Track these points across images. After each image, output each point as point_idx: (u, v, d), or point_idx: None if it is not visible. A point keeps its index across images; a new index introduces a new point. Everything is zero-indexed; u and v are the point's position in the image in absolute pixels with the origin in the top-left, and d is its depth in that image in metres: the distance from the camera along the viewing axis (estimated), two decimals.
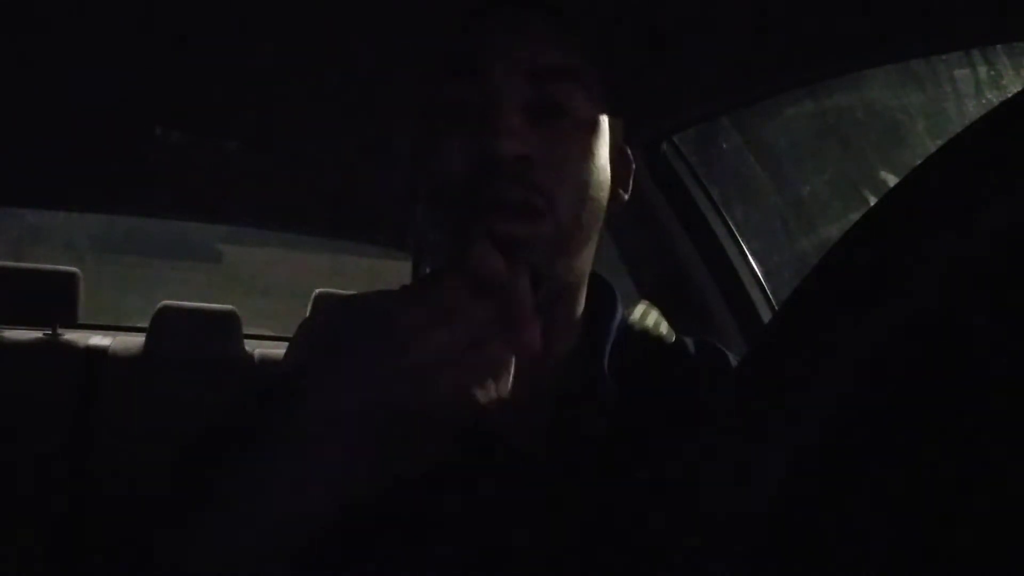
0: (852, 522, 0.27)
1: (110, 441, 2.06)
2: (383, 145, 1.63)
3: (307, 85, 1.39)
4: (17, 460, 1.97)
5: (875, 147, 1.33)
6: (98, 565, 1.92)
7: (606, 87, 0.60)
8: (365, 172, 1.89)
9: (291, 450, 0.46)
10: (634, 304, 0.69)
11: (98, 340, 2.30)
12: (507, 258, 0.49)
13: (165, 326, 2.28)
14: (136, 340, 2.32)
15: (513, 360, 0.61)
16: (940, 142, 0.28)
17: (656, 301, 0.72)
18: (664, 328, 0.68)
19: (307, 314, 2.37)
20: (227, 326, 2.33)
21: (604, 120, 0.59)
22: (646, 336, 0.66)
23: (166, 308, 2.32)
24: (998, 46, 0.93)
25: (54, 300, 2.27)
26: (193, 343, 2.26)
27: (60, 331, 2.27)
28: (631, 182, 0.64)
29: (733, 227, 1.32)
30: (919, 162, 0.28)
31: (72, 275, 2.32)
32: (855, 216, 0.29)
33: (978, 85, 1.00)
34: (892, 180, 1.13)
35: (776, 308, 1.27)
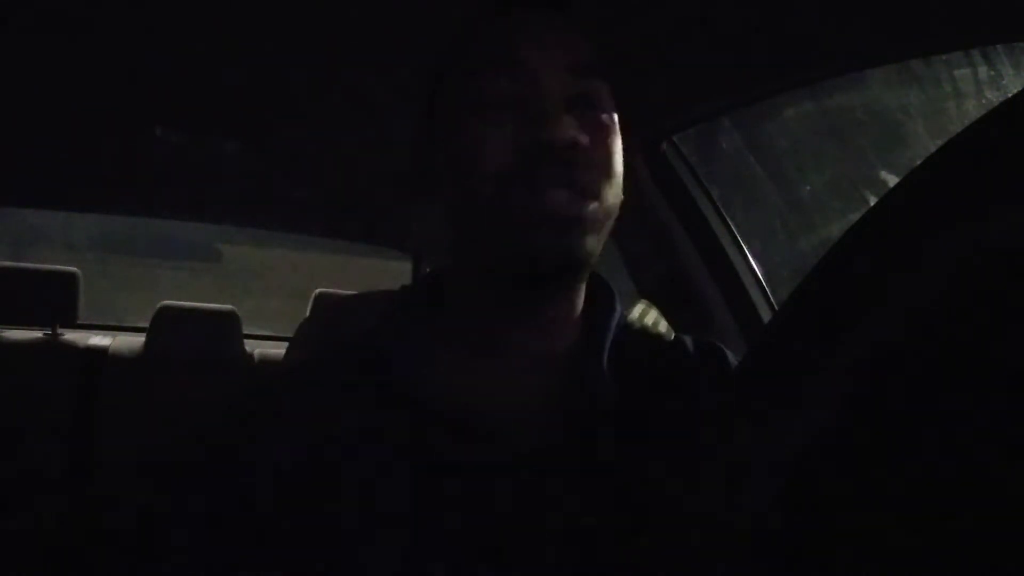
0: (852, 522, 0.27)
1: (110, 441, 2.06)
2: (383, 145, 1.63)
3: (307, 85, 1.39)
4: (17, 460, 1.97)
5: (875, 147, 1.33)
6: (98, 565, 1.92)
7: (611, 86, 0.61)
8: (365, 172, 1.89)
9: None
10: (634, 304, 0.69)
11: (98, 340, 2.30)
12: (560, 239, 0.53)
13: (165, 326, 2.28)
14: (136, 340, 2.32)
15: (513, 362, 0.61)
16: (940, 142, 0.28)
17: (656, 301, 0.72)
18: (663, 327, 0.68)
19: (307, 314, 2.37)
20: (227, 326, 2.33)
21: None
22: (645, 335, 0.66)
23: (166, 308, 2.32)
24: (998, 46, 0.93)
25: (54, 300, 2.27)
26: (193, 343, 2.26)
27: (60, 331, 2.27)
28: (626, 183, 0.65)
29: (733, 227, 1.32)
30: (919, 162, 0.28)
31: (72, 275, 2.32)
32: (855, 216, 0.29)
33: (978, 85, 1.00)
34: (892, 180, 1.13)
35: (776, 308, 1.27)
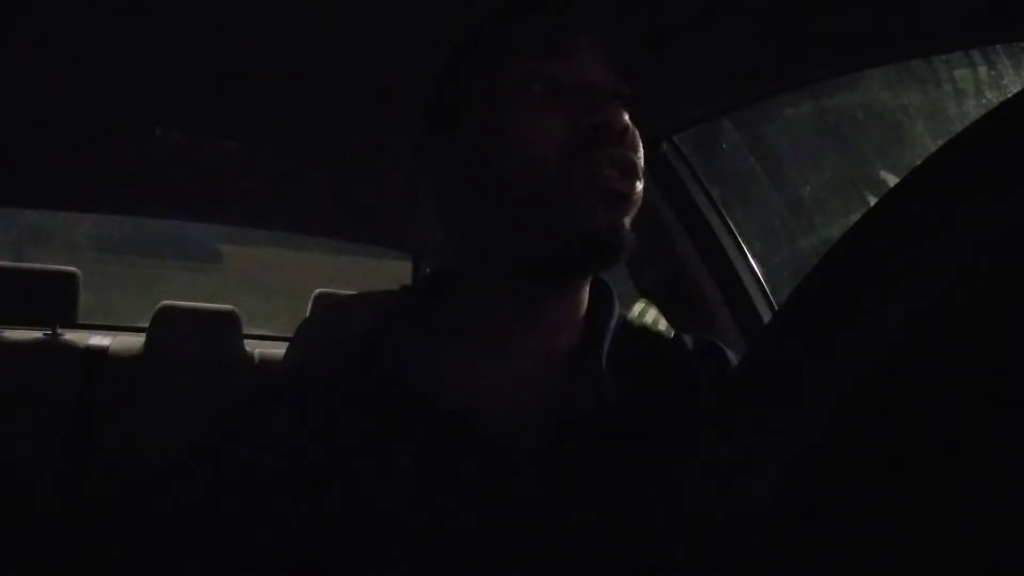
0: (852, 522, 0.27)
1: (110, 441, 2.06)
2: (383, 145, 1.63)
3: (308, 85, 1.39)
4: (17, 460, 1.97)
5: (875, 147, 1.33)
6: (97, 565, 1.92)
7: None
8: (365, 172, 1.89)
9: None
10: (633, 302, 0.69)
11: (98, 340, 2.30)
12: (615, 216, 0.55)
13: (165, 326, 2.28)
14: (136, 340, 2.32)
15: (516, 361, 0.61)
16: (940, 142, 0.28)
17: (656, 301, 0.72)
18: (663, 325, 0.68)
19: (307, 314, 2.37)
20: (227, 326, 2.33)
21: None
22: (645, 333, 0.66)
23: (166, 308, 2.32)
24: (998, 46, 0.93)
25: (54, 300, 2.27)
26: (193, 343, 2.26)
27: (60, 331, 2.27)
28: None
29: (733, 227, 1.32)
30: (919, 162, 0.28)
31: (72, 275, 2.32)
32: (855, 216, 0.29)
33: (978, 85, 1.00)
34: (892, 180, 1.13)
35: (776, 308, 1.27)
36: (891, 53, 0.91)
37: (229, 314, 2.36)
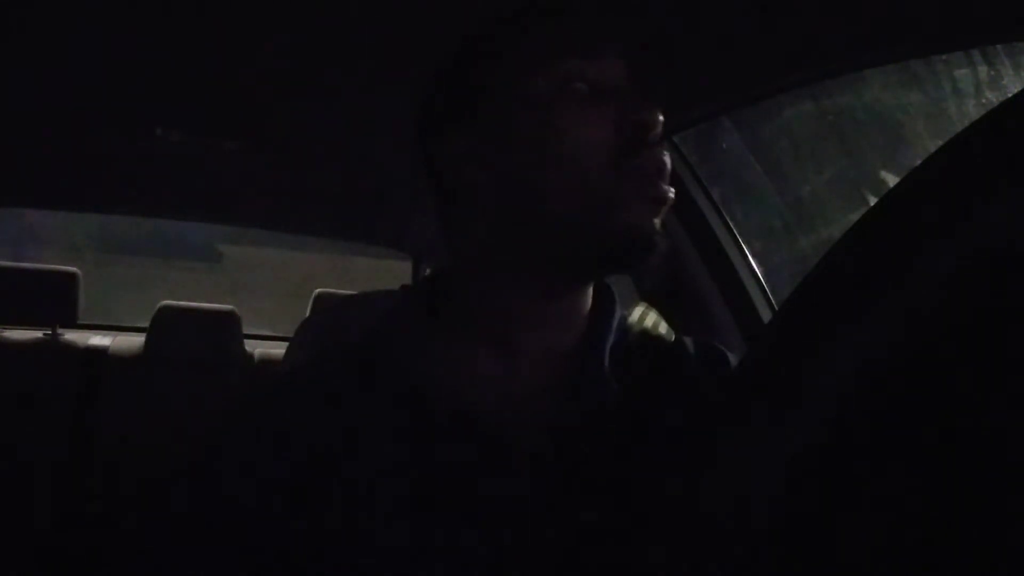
0: (852, 523, 0.27)
1: (110, 441, 2.06)
2: (383, 145, 1.63)
3: (307, 85, 1.39)
4: (16, 460, 1.97)
5: (875, 147, 1.33)
6: (98, 565, 1.92)
7: None
8: (365, 172, 1.89)
9: None
10: (634, 305, 0.69)
11: (98, 340, 2.30)
12: (655, 218, 0.57)
13: (165, 326, 2.28)
14: (136, 340, 2.32)
15: (518, 360, 0.61)
16: (940, 142, 0.28)
17: (656, 301, 0.72)
18: (663, 328, 0.68)
19: (307, 314, 2.37)
20: (227, 326, 2.33)
21: None
22: (645, 336, 0.66)
23: (166, 308, 2.32)
24: (998, 46, 0.93)
25: (54, 300, 2.27)
26: (193, 343, 2.26)
27: (60, 331, 2.27)
28: None
29: (733, 227, 1.31)
30: (919, 162, 0.28)
31: (72, 275, 2.32)
32: (855, 216, 0.29)
33: (978, 85, 1.00)
34: (892, 180, 1.13)
35: (776, 308, 1.27)
36: (891, 53, 0.91)
37: (229, 314, 2.36)
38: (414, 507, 0.55)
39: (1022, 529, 0.24)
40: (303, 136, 1.69)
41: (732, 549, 0.28)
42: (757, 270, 1.30)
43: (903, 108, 1.17)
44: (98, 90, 1.46)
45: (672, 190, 0.58)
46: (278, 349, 2.44)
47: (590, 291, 0.64)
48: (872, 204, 0.29)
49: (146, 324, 2.33)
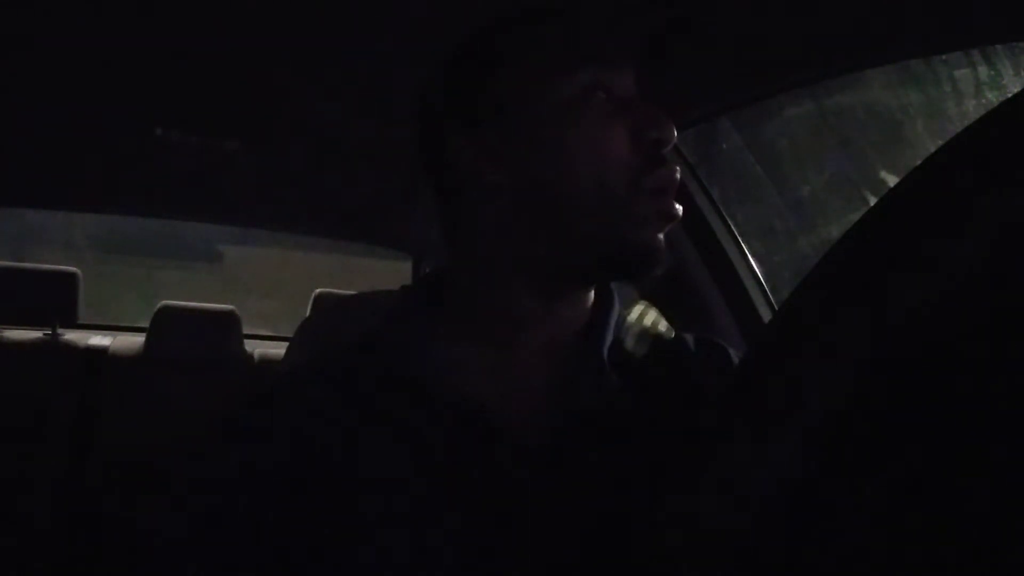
0: (852, 523, 0.27)
1: (110, 441, 2.06)
2: (383, 145, 1.63)
3: (307, 85, 1.39)
4: (17, 460, 1.97)
5: (875, 147, 1.33)
6: (98, 565, 1.92)
7: None
8: (365, 172, 1.89)
9: None
10: (634, 303, 0.69)
11: (98, 340, 2.30)
12: (663, 234, 0.58)
13: (165, 326, 2.28)
14: (136, 340, 2.31)
15: (520, 357, 0.61)
16: (940, 142, 0.28)
17: (656, 301, 0.72)
18: (663, 326, 0.68)
19: (307, 314, 2.37)
20: (227, 326, 2.33)
21: None
22: (645, 334, 0.66)
23: (166, 308, 2.32)
24: (998, 46, 0.93)
25: (54, 300, 2.27)
26: (193, 343, 2.26)
27: (60, 331, 2.27)
28: None
29: (733, 227, 1.32)
30: (919, 162, 0.28)
31: (72, 275, 2.32)
32: (855, 216, 0.29)
33: (978, 85, 1.00)
34: (892, 180, 1.13)
35: (776, 308, 1.27)
36: (891, 53, 0.91)
37: (229, 314, 2.36)
38: (415, 504, 0.55)
39: (1022, 532, 0.24)
40: (303, 136, 1.69)
41: (732, 548, 0.28)
42: (757, 270, 1.30)
43: (903, 108, 1.17)
44: (98, 90, 1.46)
45: (680, 207, 0.59)
46: (278, 349, 2.44)
47: (591, 291, 0.64)
48: (872, 204, 0.29)
49: (146, 324, 2.33)
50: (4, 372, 2.08)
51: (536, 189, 0.58)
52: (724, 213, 1.32)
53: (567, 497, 0.56)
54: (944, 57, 1.00)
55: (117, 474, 2.00)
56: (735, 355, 0.69)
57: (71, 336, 2.28)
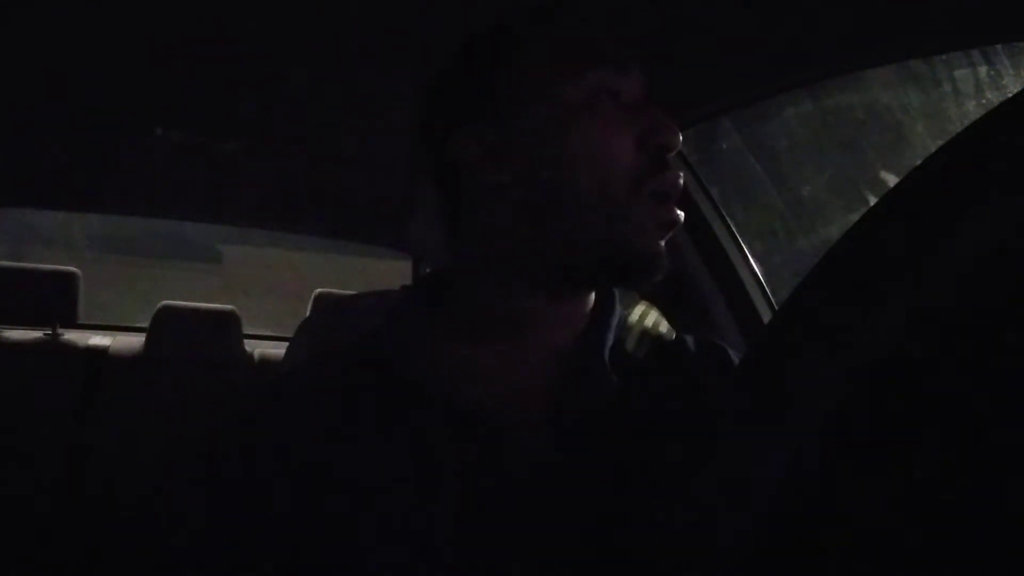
0: (852, 522, 0.27)
1: (110, 441, 2.06)
2: (383, 145, 1.63)
3: (307, 86, 1.39)
4: (17, 460, 1.97)
5: (875, 147, 1.33)
6: (98, 565, 1.92)
7: None
8: (365, 172, 1.89)
9: None
10: (634, 304, 0.69)
11: (98, 340, 2.30)
12: (665, 241, 0.58)
13: (165, 326, 2.28)
14: (136, 340, 2.31)
15: (521, 357, 0.61)
16: (940, 142, 0.28)
17: (656, 301, 0.72)
18: (664, 327, 0.68)
19: (307, 314, 2.37)
20: (227, 326, 2.33)
21: None
22: (646, 334, 0.66)
23: (166, 308, 2.32)
24: (998, 46, 0.93)
25: (54, 300, 2.27)
26: (193, 343, 2.26)
27: (60, 331, 2.27)
28: None
29: (733, 227, 1.32)
30: (919, 162, 0.28)
31: (72, 275, 2.32)
32: (855, 216, 0.29)
33: (978, 85, 1.00)
34: (892, 180, 1.13)
35: (776, 308, 1.27)
36: (891, 53, 0.91)
37: (229, 314, 2.36)
38: (415, 504, 0.55)
39: (1022, 528, 0.24)
40: (303, 136, 1.69)
41: (732, 548, 0.28)
42: (757, 270, 1.30)
43: (903, 108, 1.17)
44: (98, 90, 1.46)
45: (682, 213, 0.59)
46: (278, 349, 2.44)
47: (592, 292, 0.64)
48: (872, 204, 0.29)
49: (146, 324, 2.33)
50: (4, 372, 2.08)
51: (539, 190, 0.58)
52: (724, 213, 1.32)
53: (567, 498, 0.56)
54: (944, 57, 1.00)
55: (117, 474, 2.00)
56: (735, 356, 0.69)
57: (71, 336, 2.28)
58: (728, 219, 1.32)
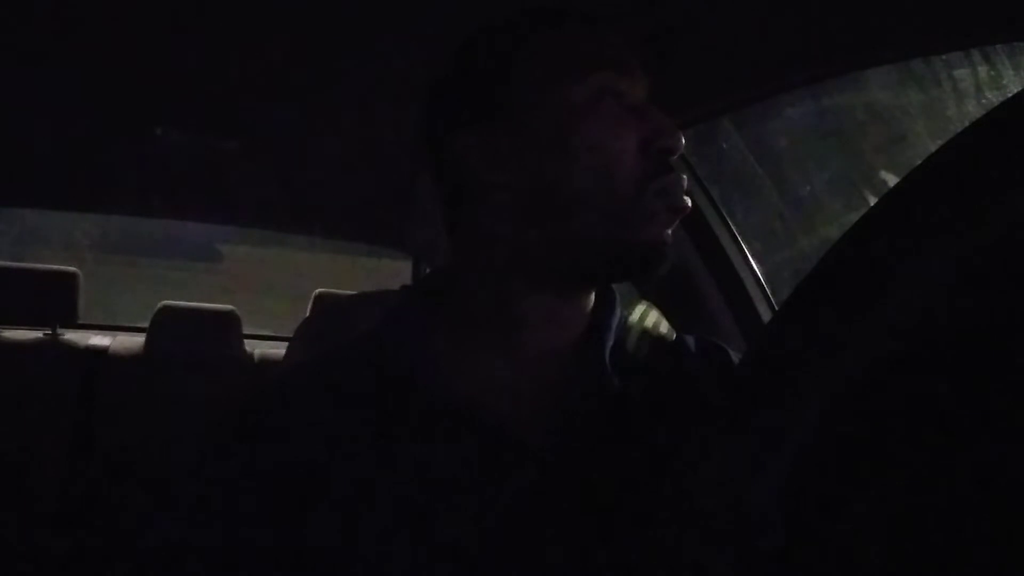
0: (852, 521, 0.27)
1: (110, 441, 2.06)
2: (383, 145, 1.63)
3: (307, 85, 1.39)
4: (17, 460, 1.97)
5: (875, 147, 1.33)
6: (98, 564, 1.92)
7: None
8: (365, 172, 1.89)
9: None
10: (634, 304, 0.69)
11: (98, 340, 2.30)
12: (669, 237, 0.59)
13: (165, 326, 2.28)
14: (136, 340, 2.31)
15: (522, 357, 0.61)
16: (940, 142, 0.28)
17: (656, 301, 0.72)
18: (664, 327, 0.68)
19: (307, 314, 2.37)
20: (227, 326, 2.33)
21: None
22: (646, 335, 0.66)
23: (166, 308, 2.32)
24: (998, 46, 0.93)
25: (54, 300, 2.27)
26: (193, 343, 2.26)
27: (60, 331, 2.27)
28: None
29: (733, 227, 1.32)
30: (919, 162, 0.28)
31: (72, 275, 2.32)
32: (855, 216, 0.29)
33: (978, 85, 1.00)
34: (892, 180, 1.13)
35: (776, 308, 1.27)
36: (891, 53, 0.91)
37: (229, 314, 2.36)
38: (416, 505, 0.55)
39: (1021, 528, 0.24)
40: (303, 136, 1.69)
41: (733, 547, 0.28)
42: (757, 270, 1.30)
43: (903, 108, 1.17)
44: (98, 90, 1.46)
45: (688, 200, 0.59)
46: (278, 349, 2.44)
47: (593, 291, 0.64)
48: (872, 204, 0.29)
49: (146, 324, 2.33)
50: (4, 372, 2.08)
51: (543, 191, 0.58)
52: (724, 213, 1.32)
53: (568, 499, 0.56)
54: (944, 57, 1.00)
55: (117, 474, 2.00)
56: (735, 356, 0.69)
57: (71, 336, 2.28)
58: (728, 219, 1.32)
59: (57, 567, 1.95)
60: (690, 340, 0.68)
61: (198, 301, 2.47)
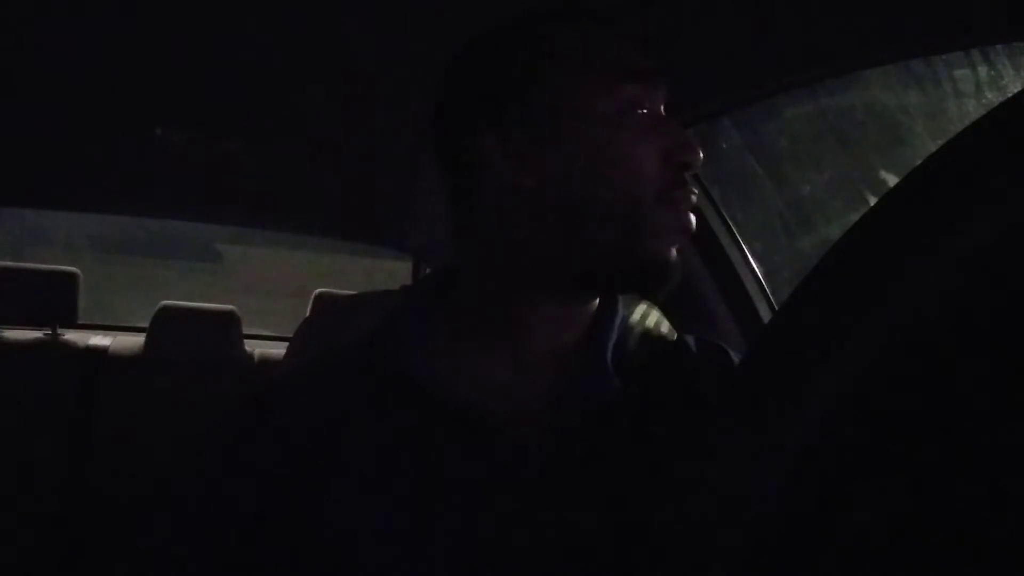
0: (852, 521, 0.27)
1: (110, 441, 2.06)
2: (383, 145, 1.63)
3: (307, 85, 1.39)
4: (17, 460, 1.97)
5: (875, 147, 1.32)
6: (97, 565, 1.92)
7: None
8: (365, 172, 1.89)
9: None
10: (635, 304, 0.69)
11: (98, 340, 2.30)
12: (678, 251, 0.60)
13: (165, 326, 2.28)
14: (136, 340, 2.31)
15: (523, 357, 0.61)
16: (940, 142, 0.28)
17: (657, 302, 0.72)
18: (665, 327, 0.68)
19: (307, 314, 2.37)
20: (227, 326, 2.33)
21: None
22: (647, 335, 0.66)
23: (166, 308, 2.32)
24: (998, 46, 0.93)
25: (54, 300, 2.27)
26: (193, 343, 2.26)
27: (60, 331, 2.27)
28: None
29: (733, 227, 1.31)
30: (919, 162, 0.28)
31: (72, 275, 2.32)
32: (855, 216, 0.29)
33: (978, 85, 1.00)
34: (892, 180, 1.13)
35: (776, 308, 1.27)
36: (891, 53, 0.91)
37: (229, 314, 2.36)
38: (417, 506, 0.55)
39: (1020, 528, 0.24)
40: (303, 136, 1.69)
41: (733, 548, 0.28)
42: (757, 270, 1.30)
43: (903, 108, 1.17)
44: (98, 90, 1.46)
45: (694, 218, 0.60)
46: (278, 349, 2.44)
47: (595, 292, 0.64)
48: (872, 204, 0.29)
49: (146, 324, 2.33)
50: (4, 372, 2.08)
51: (564, 195, 0.58)
52: (724, 213, 1.32)
53: (568, 500, 0.56)
54: (944, 57, 1.00)
55: (117, 474, 2.00)
56: (735, 356, 0.69)
57: (71, 336, 2.28)
58: (728, 219, 1.31)
59: (57, 567, 1.95)
60: (690, 340, 0.68)
61: (198, 301, 2.47)
